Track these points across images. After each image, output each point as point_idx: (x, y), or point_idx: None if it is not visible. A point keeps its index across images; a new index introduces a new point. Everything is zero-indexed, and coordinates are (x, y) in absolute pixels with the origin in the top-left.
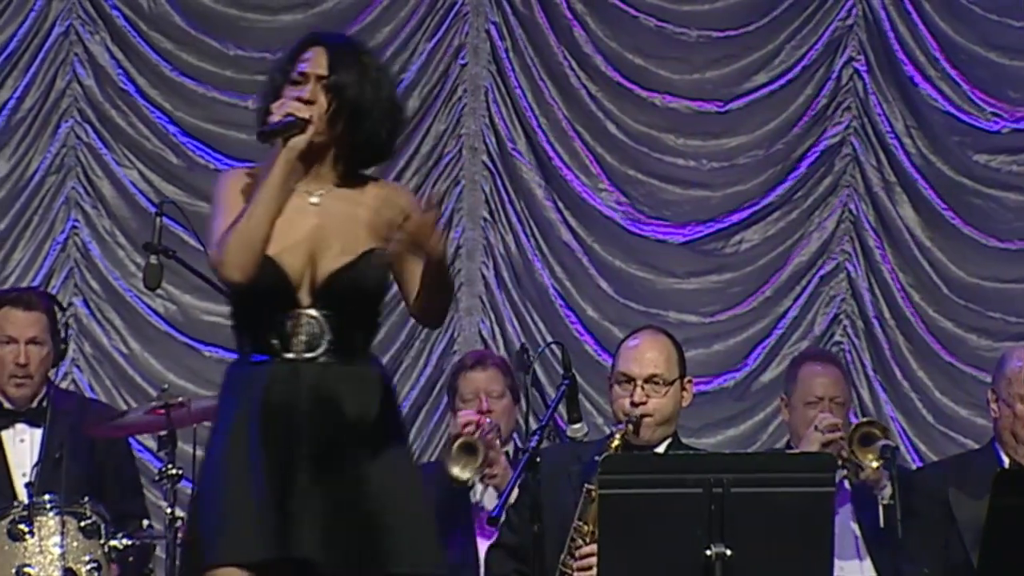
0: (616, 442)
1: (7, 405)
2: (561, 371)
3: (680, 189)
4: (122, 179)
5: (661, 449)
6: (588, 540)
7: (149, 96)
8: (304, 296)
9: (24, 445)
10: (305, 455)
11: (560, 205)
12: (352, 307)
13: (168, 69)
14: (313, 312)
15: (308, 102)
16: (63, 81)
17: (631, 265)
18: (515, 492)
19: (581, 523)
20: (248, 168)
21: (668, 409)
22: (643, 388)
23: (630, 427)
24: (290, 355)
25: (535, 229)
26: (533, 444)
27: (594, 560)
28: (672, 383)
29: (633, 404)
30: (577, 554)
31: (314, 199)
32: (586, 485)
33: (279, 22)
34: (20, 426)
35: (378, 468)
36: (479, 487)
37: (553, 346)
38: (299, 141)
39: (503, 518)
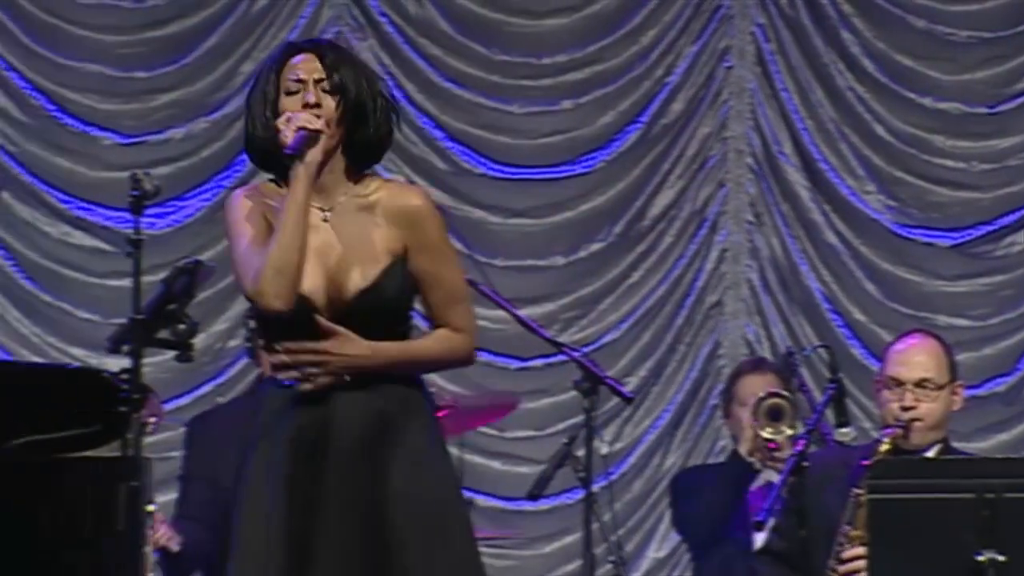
0: (886, 446)
1: None
2: (828, 375)
3: (949, 191)
4: None
5: (931, 454)
6: (856, 545)
7: (416, 101)
8: (326, 318)
9: None
10: (330, 484)
11: (826, 207)
12: (377, 326)
13: (434, 74)
14: None
15: (316, 106)
16: None
17: (899, 268)
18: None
19: (849, 528)
20: (251, 189)
21: (939, 413)
22: (913, 392)
23: (900, 431)
24: None
25: (801, 232)
26: (800, 448)
27: (862, 564)
28: (943, 387)
29: (903, 408)
30: (844, 558)
31: (325, 214)
32: (854, 490)
33: (544, 26)
34: None
35: (410, 497)
36: (764, 472)
37: (820, 349)
38: (315, 154)
39: (770, 523)
